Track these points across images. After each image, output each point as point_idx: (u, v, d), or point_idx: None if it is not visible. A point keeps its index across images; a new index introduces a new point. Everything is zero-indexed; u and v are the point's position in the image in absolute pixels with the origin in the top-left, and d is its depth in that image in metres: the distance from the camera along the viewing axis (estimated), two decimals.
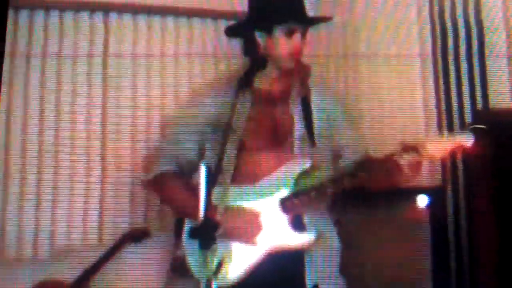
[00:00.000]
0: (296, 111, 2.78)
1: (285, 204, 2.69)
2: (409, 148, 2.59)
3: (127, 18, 3.44)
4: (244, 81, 2.72)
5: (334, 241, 2.77)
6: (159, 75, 3.41)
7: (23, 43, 3.32)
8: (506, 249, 2.83)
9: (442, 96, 3.24)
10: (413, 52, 3.27)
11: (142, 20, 3.45)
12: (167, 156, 2.78)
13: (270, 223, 2.68)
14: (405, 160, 2.58)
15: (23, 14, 3.36)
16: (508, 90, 3.10)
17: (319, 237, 2.68)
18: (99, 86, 3.37)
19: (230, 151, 2.68)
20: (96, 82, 3.37)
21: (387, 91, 3.17)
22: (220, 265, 2.61)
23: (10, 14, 3.21)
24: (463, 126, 3.18)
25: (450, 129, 3.19)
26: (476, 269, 2.98)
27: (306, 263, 2.69)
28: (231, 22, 2.99)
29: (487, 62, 3.18)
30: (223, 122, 2.69)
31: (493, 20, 3.16)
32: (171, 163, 2.77)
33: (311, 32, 2.80)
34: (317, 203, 2.68)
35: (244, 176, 2.71)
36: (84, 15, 3.41)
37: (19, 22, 3.34)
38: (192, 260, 2.67)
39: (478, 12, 3.23)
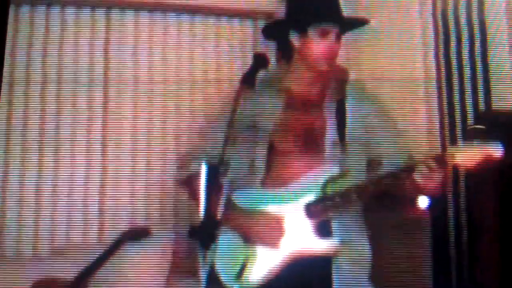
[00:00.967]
0: (329, 115, 2.75)
1: (310, 209, 2.68)
2: (436, 158, 2.57)
3: (129, 15, 3.42)
4: (248, 80, 2.71)
5: (364, 248, 2.74)
6: (161, 74, 3.39)
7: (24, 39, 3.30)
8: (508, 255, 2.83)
9: (445, 102, 3.22)
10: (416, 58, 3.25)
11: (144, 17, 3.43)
12: (200, 156, 2.75)
13: (294, 228, 2.67)
14: (431, 170, 2.55)
15: (24, 10, 3.34)
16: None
17: (345, 243, 2.66)
18: (100, 83, 3.35)
19: (260, 153, 2.66)
20: (98, 80, 3.35)
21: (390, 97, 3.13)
22: (243, 267, 2.60)
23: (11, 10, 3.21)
24: (465, 129, 3.16)
25: (452, 133, 3.17)
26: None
27: (333, 270, 2.67)
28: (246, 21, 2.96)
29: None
30: (254, 123, 2.67)
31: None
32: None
33: None
34: (342, 210, 2.66)
35: (273, 179, 2.71)
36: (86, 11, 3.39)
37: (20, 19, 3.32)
38: (219, 263, 2.66)
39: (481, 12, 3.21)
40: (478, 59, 3.21)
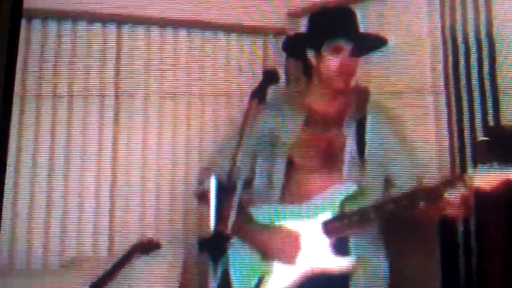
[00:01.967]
0: (349, 133, 2.77)
1: (327, 227, 2.68)
2: (456, 180, 2.57)
3: (140, 30, 3.45)
4: (258, 95, 2.72)
5: (381, 266, 2.74)
6: (172, 88, 3.41)
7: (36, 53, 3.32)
8: None
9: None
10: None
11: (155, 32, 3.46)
12: (219, 170, 2.77)
13: (311, 245, 2.67)
14: (453, 193, 2.56)
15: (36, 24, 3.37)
16: None
17: (362, 261, 2.66)
18: (111, 97, 3.37)
19: (279, 168, 2.67)
20: (109, 94, 3.37)
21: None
22: (260, 282, 2.60)
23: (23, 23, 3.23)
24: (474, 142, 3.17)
25: (462, 147, 3.17)
26: None
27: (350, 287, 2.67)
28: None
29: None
30: (274, 139, 2.69)
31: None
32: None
33: None
34: (359, 228, 2.67)
35: (291, 195, 2.72)
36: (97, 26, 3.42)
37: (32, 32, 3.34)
38: (235, 277, 2.66)
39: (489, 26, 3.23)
40: (485, 76, 3.23)
